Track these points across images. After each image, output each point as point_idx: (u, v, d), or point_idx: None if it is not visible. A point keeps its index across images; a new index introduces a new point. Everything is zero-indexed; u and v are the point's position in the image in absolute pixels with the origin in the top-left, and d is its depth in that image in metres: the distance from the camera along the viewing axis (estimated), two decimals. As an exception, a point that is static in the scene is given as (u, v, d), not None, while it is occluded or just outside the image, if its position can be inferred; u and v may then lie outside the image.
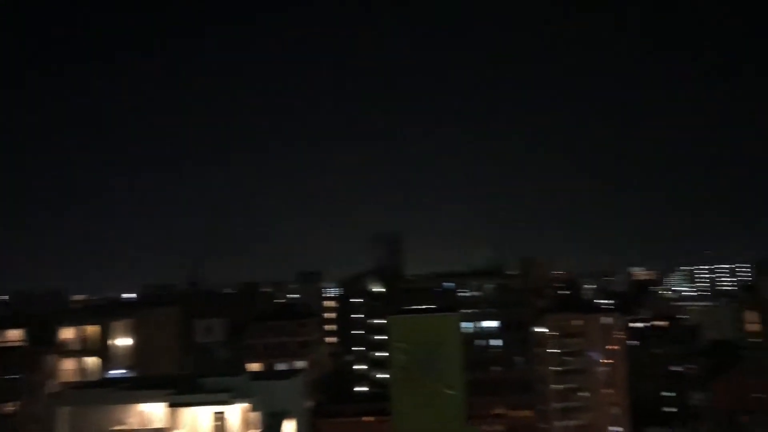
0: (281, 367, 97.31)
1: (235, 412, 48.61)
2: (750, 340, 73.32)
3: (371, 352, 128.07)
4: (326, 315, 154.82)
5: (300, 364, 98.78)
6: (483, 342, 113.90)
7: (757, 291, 67.18)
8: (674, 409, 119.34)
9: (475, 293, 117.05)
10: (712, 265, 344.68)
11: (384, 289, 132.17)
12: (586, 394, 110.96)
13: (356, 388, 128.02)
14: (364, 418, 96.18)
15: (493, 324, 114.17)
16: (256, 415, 48.71)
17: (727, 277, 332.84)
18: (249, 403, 48.61)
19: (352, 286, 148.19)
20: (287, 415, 51.37)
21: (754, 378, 69.00)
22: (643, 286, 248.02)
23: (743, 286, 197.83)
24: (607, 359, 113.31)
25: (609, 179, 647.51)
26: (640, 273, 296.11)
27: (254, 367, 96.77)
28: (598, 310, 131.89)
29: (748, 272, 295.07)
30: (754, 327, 68.33)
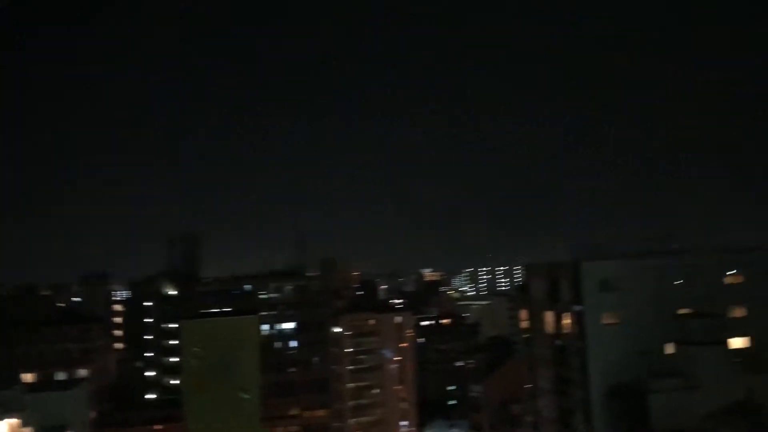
0: (62, 376, 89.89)
1: (2, 429, 44.11)
2: (522, 335, 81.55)
3: (163, 358, 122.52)
4: (114, 319, 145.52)
5: (83, 372, 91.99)
6: (281, 344, 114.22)
7: (528, 291, 74.68)
8: (456, 402, 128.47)
9: (275, 295, 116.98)
10: (492, 268, 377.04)
11: (178, 292, 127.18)
12: (379, 390, 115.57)
13: (147, 396, 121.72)
14: (154, 426, 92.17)
15: (292, 325, 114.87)
16: (28, 431, 44.60)
17: (504, 278, 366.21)
18: (19, 417, 44.36)
19: (143, 288, 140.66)
20: (65, 429, 47.68)
21: (524, 370, 76.63)
22: (431, 286, 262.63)
23: (517, 286, 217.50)
24: (398, 356, 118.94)
25: (403, 186, 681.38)
26: (429, 274, 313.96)
27: (30, 378, 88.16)
28: (391, 309, 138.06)
29: (520, 274, 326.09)
30: (525, 323, 75.77)
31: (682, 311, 58.23)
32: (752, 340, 58.15)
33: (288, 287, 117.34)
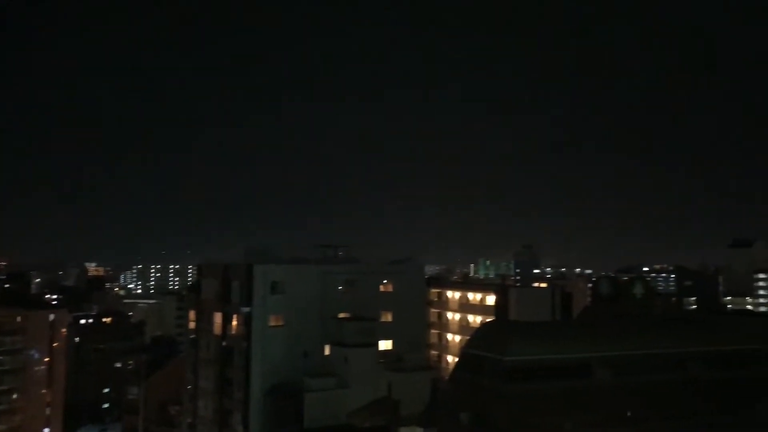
0: None
1: None
2: (189, 336, 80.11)
3: None
4: None
5: None
6: None
7: (199, 290, 73.89)
8: (111, 405, 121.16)
9: None
10: (164, 265, 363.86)
11: None
12: (19, 395, 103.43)
13: None
14: None
15: None
16: None
17: (175, 277, 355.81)
18: None
19: None
20: None
21: (187, 371, 75.47)
22: (96, 281, 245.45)
23: (188, 285, 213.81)
24: (47, 357, 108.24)
25: (71, 171, 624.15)
26: (93, 269, 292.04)
27: None
28: (44, 305, 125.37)
29: (192, 273, 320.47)
30: (193, 324, 74.79)
31: (341, 315, 63.10)
32: (395, 343, 65.59)
33: None
